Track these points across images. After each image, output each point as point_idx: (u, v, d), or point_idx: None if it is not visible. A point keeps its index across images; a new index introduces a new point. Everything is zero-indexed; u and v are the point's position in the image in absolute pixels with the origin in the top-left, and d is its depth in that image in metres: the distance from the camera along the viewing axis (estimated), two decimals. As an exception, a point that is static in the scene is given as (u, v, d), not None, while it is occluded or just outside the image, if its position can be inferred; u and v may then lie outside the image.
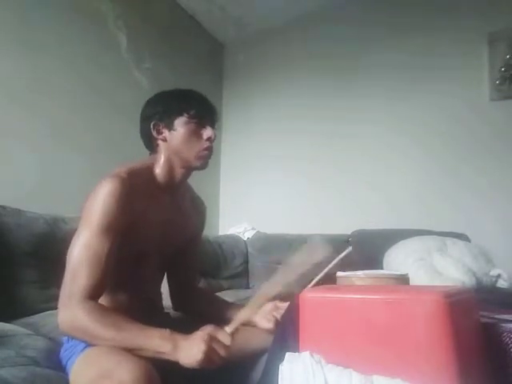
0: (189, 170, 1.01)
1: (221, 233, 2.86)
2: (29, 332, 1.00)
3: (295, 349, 0.70)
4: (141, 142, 1.04)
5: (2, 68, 1.62)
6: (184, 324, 0.86)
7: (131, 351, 0.72)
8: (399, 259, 1.68)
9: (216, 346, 0.72)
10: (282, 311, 0.94)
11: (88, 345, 0.78)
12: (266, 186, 2.84)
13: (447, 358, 0.58)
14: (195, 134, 0.98)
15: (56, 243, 1.31)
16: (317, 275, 0.83)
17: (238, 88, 3.09)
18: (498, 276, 1.61)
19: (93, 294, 0.78)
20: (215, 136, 0.99)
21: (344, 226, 2.28)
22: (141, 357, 0.71)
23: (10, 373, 0.73)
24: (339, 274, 0.96)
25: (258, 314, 0.99)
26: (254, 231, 2.63)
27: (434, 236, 1.80)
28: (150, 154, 1.02)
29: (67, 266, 0.80)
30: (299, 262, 0.80)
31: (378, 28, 2.51)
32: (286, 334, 0.80)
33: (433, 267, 1.57)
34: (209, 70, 3.07)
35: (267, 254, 2.40)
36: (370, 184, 2.45)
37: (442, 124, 2.29)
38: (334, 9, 2.69)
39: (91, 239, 0.80)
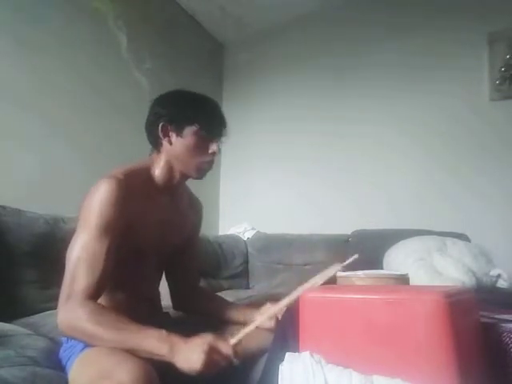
0: (185, 177, 1.01)
1: (221, 233, 2.86)
2: (29, 332, 1.00)
3: (295, 349, 0.70)
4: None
5: (2, 68, 1.62)
6: (183, 324, 0.86)
7: (130, 352, 0.72)
8: (399, 259, 1.68)
9: (216, 357, 0.72)
10: (283, 311, 0.94)
11: (87, 345, 0.78)
12: (265, 186, 2.84)
13: (447, 358, 0.58)
14: (202, 145, 0.96)
15: (56, 243, 1.31)
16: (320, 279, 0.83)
17: (238, 88, 3.09)
18: (498, 276, 1.60)
19: (92, 295, 0.78)
20: (220, 151, 0.99)
21: (344, 226, 2.28)
22: (140, 357, 0.71)
23: (10, 373, 0.73)
24: (339, 274, 0.96)
25: (259, 313, 0.99)
26: (254, 231, 2.63)
27: (434, 236, 1.80)
28: (150, 154, 1.02)
29: (66, 267, 0.80)
30: (313, 282, 0.80)
31: (377, 28, 2.51)
32: (286, 334, 0.80)
33: (433, 267, 1.57)
34: (209, 70, 3.07)
35: (267, 254, 2.40)
36: (370, 184, 2.45)
37: (442, 124, 2.29)
38: (333, 9, 2.69)
39: (89, 240, 0.81)
